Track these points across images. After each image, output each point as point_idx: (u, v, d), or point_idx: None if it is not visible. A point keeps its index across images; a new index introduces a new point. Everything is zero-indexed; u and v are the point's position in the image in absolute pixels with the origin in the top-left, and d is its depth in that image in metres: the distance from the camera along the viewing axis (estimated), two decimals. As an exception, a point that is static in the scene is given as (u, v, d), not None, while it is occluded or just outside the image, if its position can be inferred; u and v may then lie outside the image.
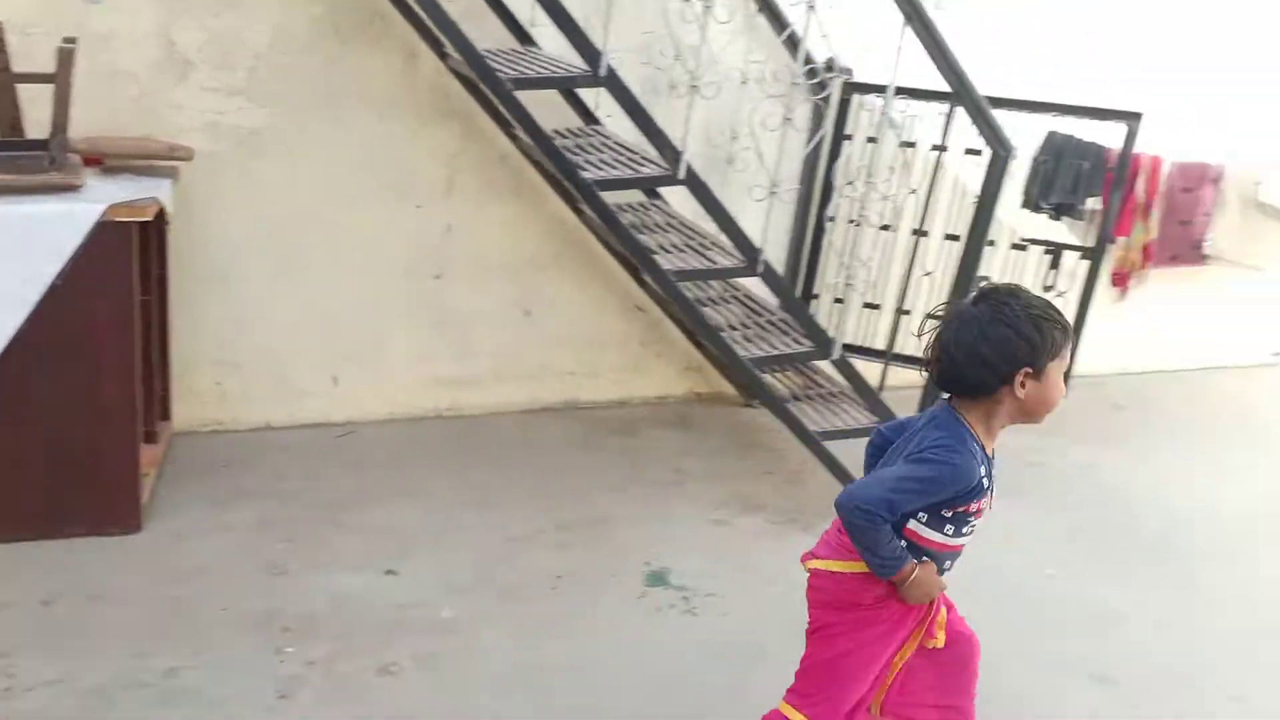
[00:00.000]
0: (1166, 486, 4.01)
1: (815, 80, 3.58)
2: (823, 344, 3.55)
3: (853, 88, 4.08)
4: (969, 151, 4.17)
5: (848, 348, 4.26)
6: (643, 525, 3.53)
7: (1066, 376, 1.96)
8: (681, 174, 3.28)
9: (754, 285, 3.76)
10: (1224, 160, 4.78)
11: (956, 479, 1.94)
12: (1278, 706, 2.74)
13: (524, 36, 3.72)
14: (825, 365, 3.74)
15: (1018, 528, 3.62)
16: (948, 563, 2.06)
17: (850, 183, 4.05)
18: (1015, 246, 4.30)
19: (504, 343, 4.30)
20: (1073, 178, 4.23)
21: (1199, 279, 5.05)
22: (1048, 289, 4.24)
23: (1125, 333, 5.05)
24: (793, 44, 3.60)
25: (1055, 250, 4.26)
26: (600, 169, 3.32)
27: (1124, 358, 5.18)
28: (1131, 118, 4.02)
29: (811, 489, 3.76)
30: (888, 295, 4.26)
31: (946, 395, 2.03)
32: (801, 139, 4.17)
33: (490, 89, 3.21)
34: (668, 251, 3.44)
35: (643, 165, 3.38)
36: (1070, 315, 4.09)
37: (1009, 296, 1.95)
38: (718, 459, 4.06)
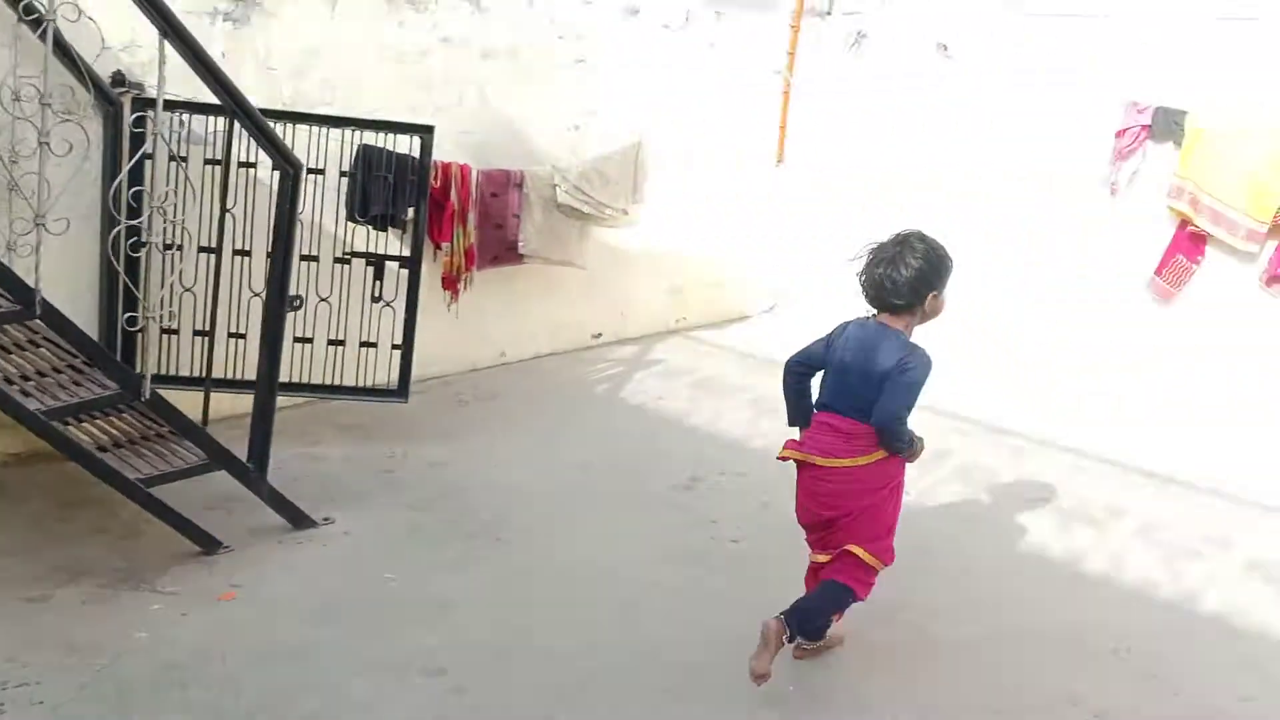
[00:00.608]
0: (500, 472, 4.39)
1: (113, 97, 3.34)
2: (130, 384, 3.33)
3: (146, 104, 3.86)
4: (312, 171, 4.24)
5: (181, 380, 4.09)
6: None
7: None
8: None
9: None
10: (521, 167, 5.33)
11: (929, 369, 2.87)
12: (582, 659, 3.11)
13: None
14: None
15: (363, 537, 3.77)
16: None
17: (160, 205, 3.82)
18: (339, 260, 4.39)
19: None
20: (390, 189, 4.40)
21: (520, 276, 5.61)
22: (376, 300, 4.39)
23: (464, 332, 5.47)
24: (68, 57, 3.31)
25: (377, 261, 4.41)
26: None
27: (467, 355, 5.61)
28: (425, 131, 4.32)
29: (150, 539, 3.54)
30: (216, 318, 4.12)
31: (874, 313, 2.94)
32: (96, 161, 3.89)
33: None
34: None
35: None
36: (399, 322, 4.41)
37: (919, 240, 2.89)
38: (36, 526, 3.64)
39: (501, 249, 5.30)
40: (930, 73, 6.40)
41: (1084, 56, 5.77)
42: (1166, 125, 5.47)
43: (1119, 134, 5.64)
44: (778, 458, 3.08)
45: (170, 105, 3.95)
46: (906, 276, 2.83)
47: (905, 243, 2.87)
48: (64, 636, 3.05)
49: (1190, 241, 5.48)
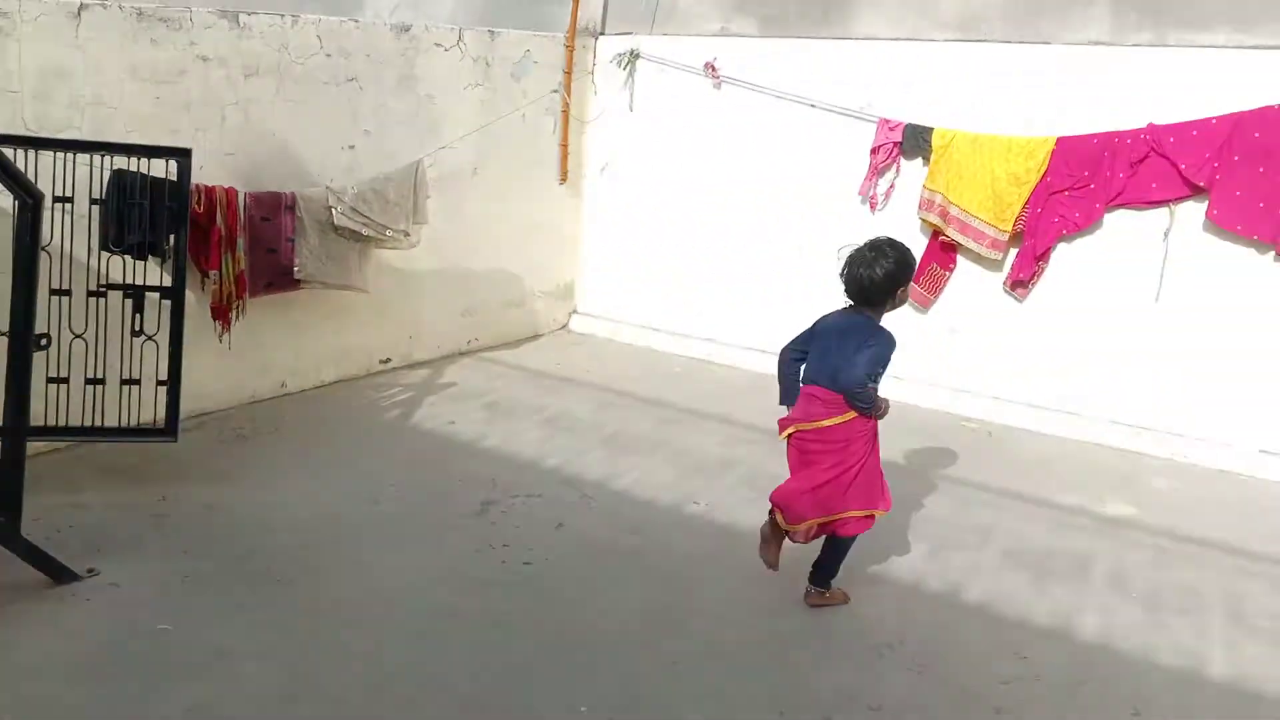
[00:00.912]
0: (283, 510, 4.21)
1: None
2: None
3: None
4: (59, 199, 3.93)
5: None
6: None
7: None
8: None
9: None
10: (294, 189, 5.15)
11: (893, 347, 3.49)
12: (367, 699, 3.04)
13: None
14: None
15: (132, 588, 3.54)
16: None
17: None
18: (93, 293, 4.09)
19: None
20: (147, 216, 4.15)
21: (300, 302, 5.43)
22: (137, 334, 4.11)
23: (240, 363, 5.24)
24: None
25: (135, 293, 4.12)
26: None
27: (245, 387, 5.37)
28: (182, 154, 4.12)
29: None
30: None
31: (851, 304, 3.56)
32: None
33: None
34: None
35: None
36: (165, 357, 4.16)
37: (890, 246, 3.49)
38: None
39: (276, 274, 5.09)
40: (700, 91, 6.65)
41: (839, 77, 6.16)
42: (916, 141, 5.89)
43: (873, 151, 6.04)
44: (779, 437, 3.63)
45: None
46: (881, 276, 3.45)
47: (879, 249, 3.49)
48: None
49: (943, 251, 5.93)
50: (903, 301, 3.59)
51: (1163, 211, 5.31)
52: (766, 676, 3.28)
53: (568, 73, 6.86)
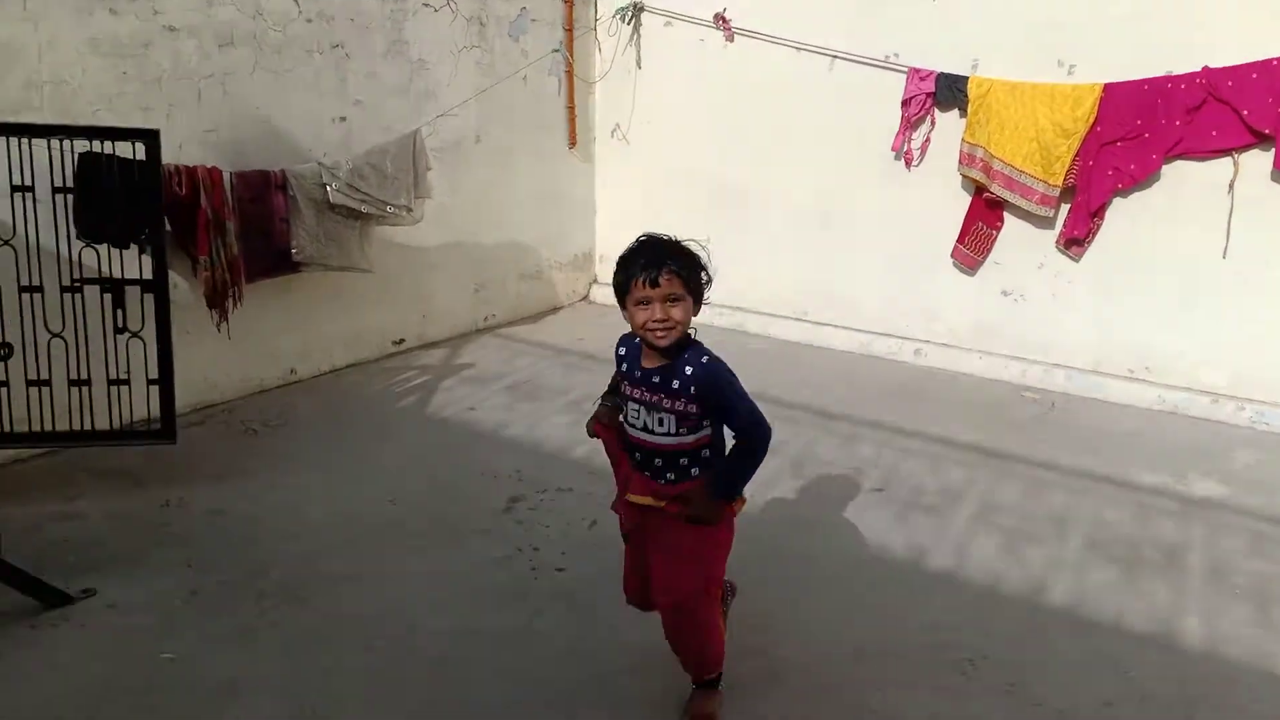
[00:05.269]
0: (295, 515, 3.89)
1: None
2: None
3: None
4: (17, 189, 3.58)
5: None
6: None
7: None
8: None
9: None
10: (284, 166, 4.79)
11: None
12: None
13: None
14: None
15: (131, 610, 3.24)
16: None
17: None
18: (67, 289, 3.70)
19: None
20: (123, 202, 3.76)
21: (304, 285, 5.08)
22: (120, 330, 3.74)
23: (244, 352, 4.94)
24: None
25: (114, 286, 3.74)
26: None
27: (251, 377, 5.06)
28: (149, 135, 3.71)
29: None
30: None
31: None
32: None
33: None
34: None
35: None
36: (153, 353, 3.79)
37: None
38: None
39: (272, 258, 4.74)
40: (711, 44, 6.23)
41: (862, 26, 5.72)
42: (950, 92, 5.48)
43: (904, 103, 5.62)
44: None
45: None
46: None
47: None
48: None
49: (988, 208, 5.53)
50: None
51: (1226, 161, 4.89)
52: (839, 698, 2.90)
53: (569, 30, 6.44)
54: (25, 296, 3.65)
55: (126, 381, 3.85)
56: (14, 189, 3.59)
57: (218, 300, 4.51)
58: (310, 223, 4.81)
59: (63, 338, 3.73)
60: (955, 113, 5.50)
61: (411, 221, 5.28)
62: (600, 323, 6.30)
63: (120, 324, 3.74)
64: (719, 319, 6.26)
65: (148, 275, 3.77)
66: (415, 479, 4.22)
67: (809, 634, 3.19)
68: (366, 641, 3.13)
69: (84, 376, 3.79)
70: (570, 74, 6.51)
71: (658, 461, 2.63)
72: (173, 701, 2.84)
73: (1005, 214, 5.51)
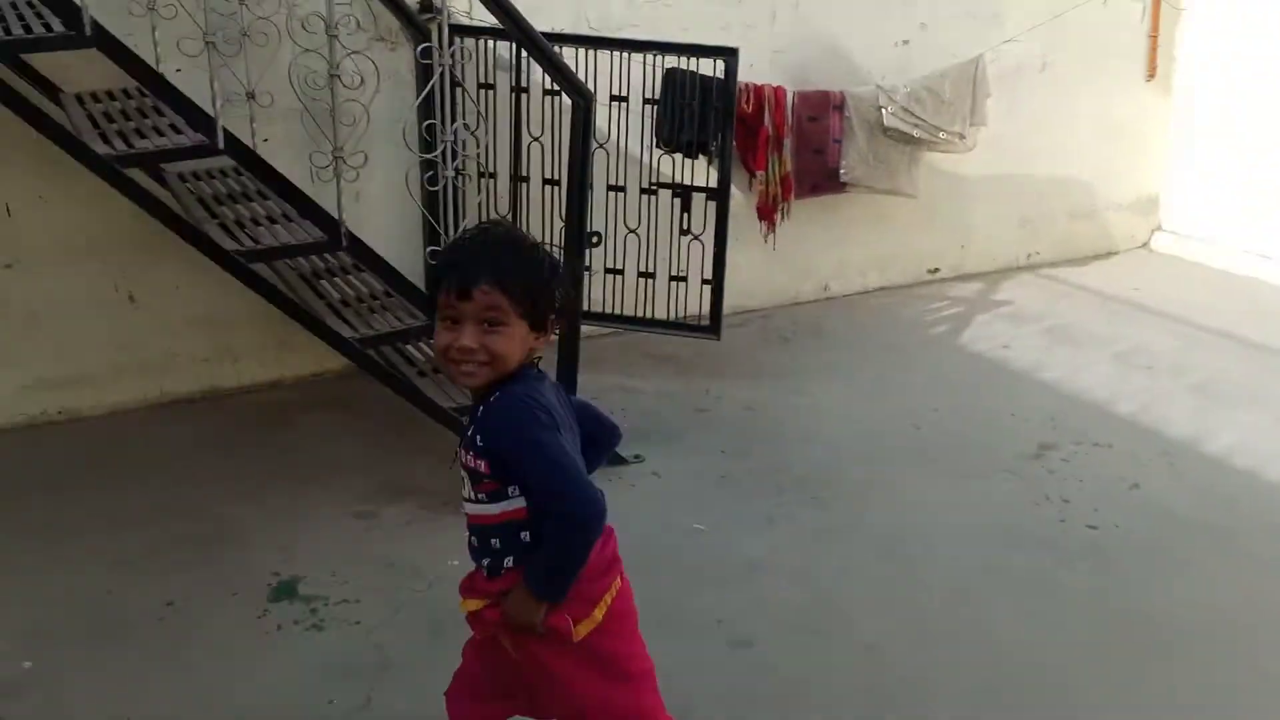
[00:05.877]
0: (819, 422, 4.02)
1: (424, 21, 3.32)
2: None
3: (459, 31, 3.80)
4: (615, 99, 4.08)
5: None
6: (277, 529, 3.23)
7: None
8: (220, 143, 3.02)
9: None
10: (843, 88, 4.84)
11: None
12: (909, 654, 2.73)
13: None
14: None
15: (672, 481, 3.59)
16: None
17: (471, 133, 3.78)
18: (645, 191, 4.20)
19: (114, 333, 3.85)
20: (696, 115, 4.09)
21: (844, 205, 5.15)
22: (684, 232, 4.19)
23: (784, 264, 5.14)
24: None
25: (683, 192, 4.16)
26: (132, 140, 2.98)
27: (787, 289, 5.28)
28: (729, 54, 3.98)
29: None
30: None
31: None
32: (407, 91, 3.90)
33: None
34: (244, 227, 3.12)
35: (179, 135, 3.04)
36: (709, 255, 4.14)
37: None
38: (373, 441, 3.78)
39: (821, 177, 4.89)
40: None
41: None
42: None
43: None
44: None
45: (470, 32, 3.90)
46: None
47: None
48: (385, 557, 3.11)
49: None
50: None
51: None
52: None
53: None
54: (611, 195, 4.19)
55: (684, 278, 4.27)
56: (612, 98, 4.08)
57: (768, 213, 4.79)
58: (862, 145, 4.88)
59: (637, 234, 4.22)
60: None
61: (964, 149, 5.13)
62: (1162, 274, 5.65)
63: (685, 226, 4.18)
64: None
65: (713, 184, 4.13)
66: (940, 408, 4.15)
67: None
68: (883, 551, 3.18)
69: (650, 270, 4.29)
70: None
71: (473, 540, 1.89)
72: (704, 566, 3.11)
73: None
